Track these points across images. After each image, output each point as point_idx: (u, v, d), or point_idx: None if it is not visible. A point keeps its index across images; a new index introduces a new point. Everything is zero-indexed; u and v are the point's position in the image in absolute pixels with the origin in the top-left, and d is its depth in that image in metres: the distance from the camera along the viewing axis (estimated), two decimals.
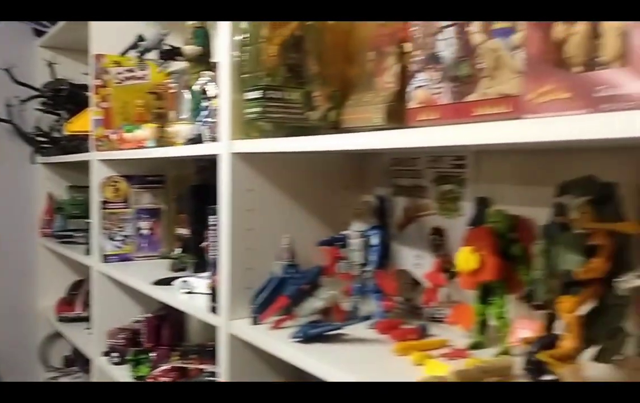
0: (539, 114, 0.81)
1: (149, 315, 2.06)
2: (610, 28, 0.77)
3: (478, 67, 0.95)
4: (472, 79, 0.96)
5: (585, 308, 0.89)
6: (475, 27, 0.96)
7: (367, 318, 1.26)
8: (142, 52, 1.83)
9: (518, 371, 0.93)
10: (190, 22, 1.66)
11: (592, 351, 0.91)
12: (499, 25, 0.92)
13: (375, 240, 1.28)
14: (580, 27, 0.80)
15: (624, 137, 0.68)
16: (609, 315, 0.89)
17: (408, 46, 1.10)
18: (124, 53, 1.96)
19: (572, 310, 0.87)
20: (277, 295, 1.28)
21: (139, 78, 2.17)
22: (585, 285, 0.88)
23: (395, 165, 1.42)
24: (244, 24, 1.28)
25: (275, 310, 1.28)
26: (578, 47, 0.80)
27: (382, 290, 1.28)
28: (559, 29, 0.83)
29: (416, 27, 1.06)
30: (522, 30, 0.87)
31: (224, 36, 1.33)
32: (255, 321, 1.30)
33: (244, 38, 1.28)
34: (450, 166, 1.28)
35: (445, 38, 1.01)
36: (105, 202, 2.17)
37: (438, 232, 1.32)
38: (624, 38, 0.72)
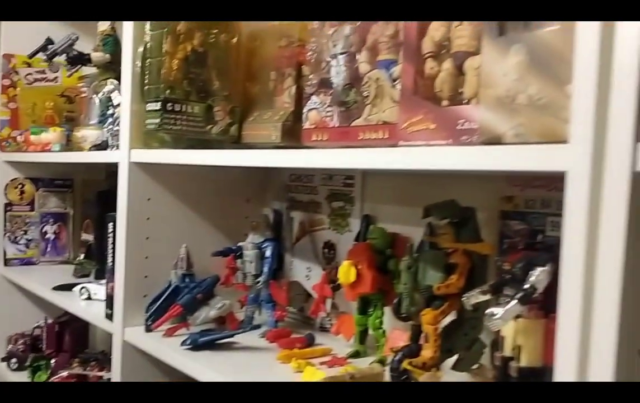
0: (411, 141, 0.89)
1: (50, 321, 2.03)
2: (470, 67, 0.86)
3: (363, 95, 1.02)
4: (358, 106, 1.03)
5: (445, 321, 0.97)
6: (363, 57, 1.03)
7: (258, 327, 1.30)
8: (51, 56, 1.81)
9: (387, 378, 1.00)
10: (102, 28, 1.67)
11: (451, 360, 0.99)
12: (382, 57, 1.00)
13: (269, 252, 1.33)
14: (448, 65, 0.89)
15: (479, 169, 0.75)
16: (466, 327, 0.98)
17: (305, 69, 1.16)
18: (32, 55, 1.94)
19: (432, 322, 0.95)
20: (172, 304, 1.31)
21: (50, 80, 2.14)
22: (445, 300, 0.96)
23: (294, 181, 1.48)
24: (147, 36, 1.31)
25: (169, 318, 1.31)
26: (445, 83, 0.88)
27: (275, 300, 1.33)
28: (430, 65, 0.92)
29: (311, 52, 1.13)
30: (401, 63, 0.95)
31: (127, 46, 1.36)
32: (149, 329, 1.32)
33: (146, 49, 1.31)
34: (342, 185, 1.35)
35: (336, 65, 1.08)
36: (9, 204, 2.12)
37: (329, 246, 1.38)
38: (479, 77, 0.80)
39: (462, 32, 0.86)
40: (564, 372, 0.63)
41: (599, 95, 0.59)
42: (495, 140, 0.71)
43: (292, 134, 1.20)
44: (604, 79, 0.59)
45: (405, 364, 0.95)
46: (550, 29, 0.66)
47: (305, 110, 1.12)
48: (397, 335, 1.14)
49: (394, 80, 0.97)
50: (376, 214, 1.23)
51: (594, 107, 0.59)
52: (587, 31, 0.60)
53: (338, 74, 1.06)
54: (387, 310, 1.12)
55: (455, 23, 0.87)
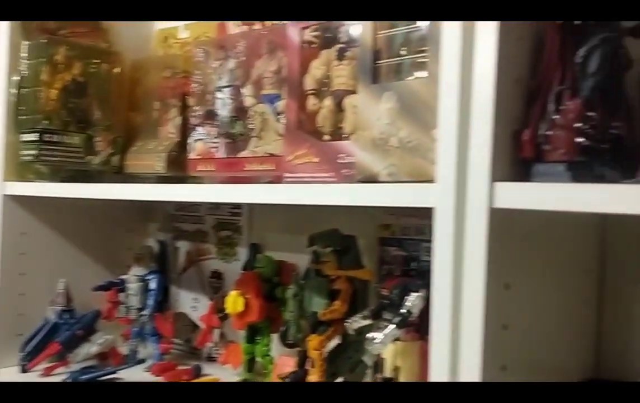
0: (296, 173, 0.93)
1: None
2: (349, 105, 0.91)
3: (249, 127, 1.05)
4: (244, 138, 1.05)
5: (329, 346, 1.02)
6: (248, 91, 1.06)
7: (142, 361, 1.28)
8: None
9: None
10: None
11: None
12: (266, 91, 1.04)
13: (153, 284, 1.31)
14: (329, 102, 0.94)
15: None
16: (350, 351, 1.03)
17: (190, 100, 1.17)
18: None
19: (318, 347, 0.99)
20: (49, 341, 1.25)
21: None
22: (329, 325, 1.00)
23: (179, 210, 1.48)
24: (23, 64, 1.26)
25: (46, 356, 1.25)
26: (326, 119, 0.94)
27: (160, 333, 1.32)
28: (312, 101, 0.96)
29: (196, 84, 1.14)
30: (284, 98, 0.99)
31: (1, 75, 1.30)
32: (24, 369, 1.25)
33: (22, 78, 1.26)
34: (229, 214, 1.37)
35: (221, 97, 1.10)
36: None
37: (217, 275, 1.39)
38: (356, 114, 0.86)
39: (341, 71, 0.92)
40: None
41: (459, 140, 0.66)
42: (371, 178, 0.77)
43: (177, 165, 1.20)
44: (464, 125, 0.66)
45: None
46: (417, 78, 0.73)
47: (190, 140, 1.13)
48: (284, 362, 1.17)
49: (279, 114, 1.00)
50: (263, 243, 1.26)
51: (456, 150, 0.66)
52: (449, 82, 0.67)
53: (224, 106, 1.09)
54: (275, 337, 1.14)
55: (335, 62, 0.92)
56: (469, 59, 0.66)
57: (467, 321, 0.67)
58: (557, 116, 0.64)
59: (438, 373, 0.69)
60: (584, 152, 0.62)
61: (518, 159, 0.66)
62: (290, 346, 1.04)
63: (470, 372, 0.67)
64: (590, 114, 0.63)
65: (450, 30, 0.67)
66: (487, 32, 0.65)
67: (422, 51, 0.74)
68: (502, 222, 0.66)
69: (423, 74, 0.73)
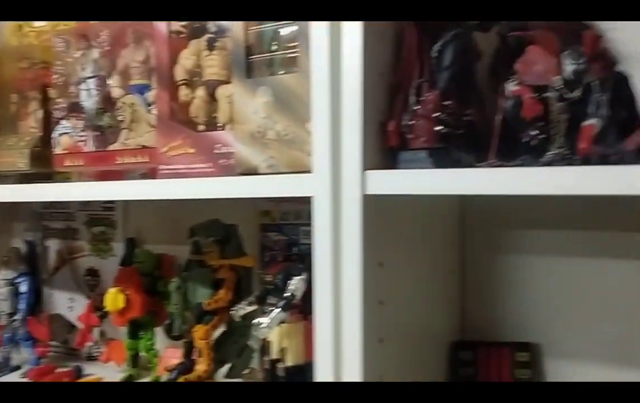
0: (172, 165, 0.93)
1: None
2: (222, 95, 0.92)
3: (118, 119, 1.02)
4: (113, 130, 1.02)
5: (215, 334, 1.03)
6: (114, 81, 1.03)
7: (17, 368, 1.22)
8: None
9: None
10: None
11: (224, 369, 1.05)
12: (135, 81, 1.01)
13: (24, 287, 1.25)
14: (201, 92, 0.94)
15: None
16: (236, 336, 1.05)
17: (52, 92, 1.11)
18: None
19: (204, 337, 1.01)
20: None
21: None
22: (215, 314, 1.02)
23: (47, 207, 1.41)
24: None
25: None
26: (200, 110, 0.93)
27: (35, 336, 1.26)
28: (184, 92, 0.96)
29: (58, 75, 1.09)
30: (155, 88, 0.98)
31: None
32: None
33: None
34: (101, 209, 1.33)
35: (86, 88, 1.05)
36: None
37: (93, 273, 1.35)
38: (231, 104, 0.87)
39: (212, 61, 0.92)
40: (323, 363, 0.73)
41: (332, 132, 0.70)
42: (251, 170, 0.79)
43: (42, 160, 1.14)
44: (335, 118, 0.70)
45: (180, 380, 0.99)
46: (290, 73, 0.76)
47: (55, 135, 1.08)
48: (170, 354, 1.17)
49: (149, 104, 0.99)
50: (141, 237, 1.24)
51: (329, 142, 0.70)
52: (320, 77, 0.71)
53: (89, 98, 1.05)
54: (159, 330, 1.14)
55: (205, 52, 0.92)
56: (337, 56, 0.70)
57: (346, 300, 0.72)
58: (418, 107, 0.69)
59: (322, 349, 0.73)
60: (443, 139, 0.69)
61: (386, 148, 0.71)
62: (176, 338, 1.04)
63: (351, 346, 0.72)
64: (446, 103, 0.69)
65: (318, 28, 0.71)
66: (352, 30, 0.69)
67: (293, 47, 0.77)
68: (374, 207, 0.71)
69: (295, 69, 0.75)
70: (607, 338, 0.84)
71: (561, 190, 0.59)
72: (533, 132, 0.65)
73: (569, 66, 0.63)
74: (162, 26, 0.95)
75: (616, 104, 0.62)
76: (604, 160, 0.59)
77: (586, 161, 0.60)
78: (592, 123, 0.61)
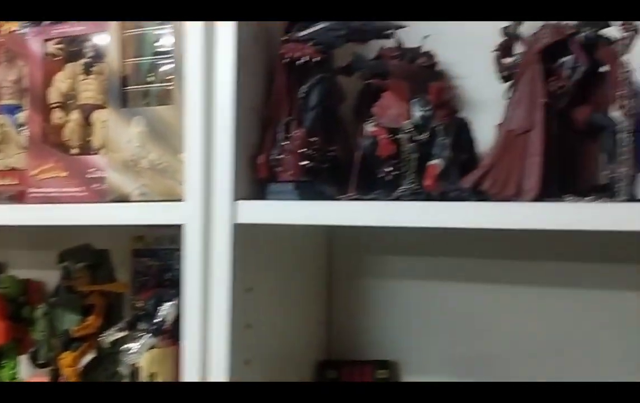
0: (42, 189, 0.91)
1: None
2: (97, 120, 0.92)
3: None
4: None
5: (84, 361, 1.01)
6: None
7: None
8: None
9: None
10: None
11: None
12: (5, 101, 0.99)
13: None
14: (76, 116, 0.93)
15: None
16: (106, 363, 1.03)
17: None
18: None
19: (72, 364, 0.98)
20: None
21: None
22: (84, 341, 1.00)
23: None
24: None
25: None
26: (74, 133, 0.93)
27: None
28: (58, 115, 0.95)
29: None
30: (27, 110, 0.95)
31: None
32: None
33: None
34: None
35: None
36: None
37: None
38: (106, 129, 0.87)
39: (88, 86, 0.92)
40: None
41: (204, 163, 0.73)
42: (123, 198, 0.80)
43: None
44: (208, 149, 0.74)
45: None
46: (165, 105, 0.79)
47: None
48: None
49: (20, 126, 0.97)
50: (6, 261, 1.19)
51: (202, 172, 0.73)
52: (193, 110, 0.74)
53: None
54: (23, 358, 1.09)
55: (81, 76, 0.92)
56: (210, 90, 0.73)
57: (214, 324, 0.75)
58: (286, 143, 0.75)
59: (190, 372, 0.76)
60: (308, 173, 0.74)
61: (256, 179, 0.75)
62: (42, 366, 1.01)
63: (218, 368, 0.74)
64: (312, 140, 0.75)
65: (193, 62, 0.74)
66: (225, 64, 0.73)
67: (168, 81, 0.80)
68: (244, 235, 0.75)
69: (170, 102, 0.78)
70: (458, 356, 0.93)
71: (410, 222, 0.67)
72: (387, 169, 0.72)
73: (418, 112, 0.71)
74: (37, 47, 0.94)
75: (457, 147, 0.71)
76: (445, 196, 0.68)
77: (430, 196, 0.68)
78: (436, 163, 0.69)
